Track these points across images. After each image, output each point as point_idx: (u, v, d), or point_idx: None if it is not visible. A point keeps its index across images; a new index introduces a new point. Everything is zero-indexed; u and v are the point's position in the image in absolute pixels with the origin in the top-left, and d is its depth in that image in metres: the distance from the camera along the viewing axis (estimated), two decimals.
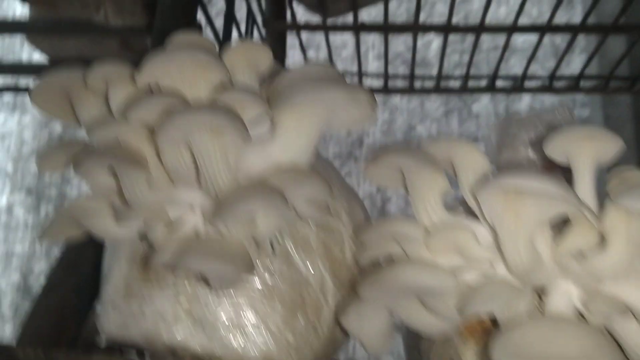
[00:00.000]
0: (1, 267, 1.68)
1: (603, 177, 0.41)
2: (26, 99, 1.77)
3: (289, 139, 0.37)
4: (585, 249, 0.36)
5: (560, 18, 1.60)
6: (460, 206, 0.42)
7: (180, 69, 0.34)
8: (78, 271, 0.49)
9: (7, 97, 1.70)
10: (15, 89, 1.45)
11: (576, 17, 1.41)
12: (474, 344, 0.42)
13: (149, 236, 0.38)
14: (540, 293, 0.39)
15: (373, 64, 1.64)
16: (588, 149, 0.38)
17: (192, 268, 0.33)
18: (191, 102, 0.34)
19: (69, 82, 0.39)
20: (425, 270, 0.38)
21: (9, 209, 1.73)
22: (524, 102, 1.64)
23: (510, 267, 0.37)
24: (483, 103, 1.66)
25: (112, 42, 1.01)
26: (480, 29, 0.97)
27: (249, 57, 0.38)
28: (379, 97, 1.17)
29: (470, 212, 0.41)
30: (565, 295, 0.38)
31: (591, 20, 1.40)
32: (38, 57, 1.79)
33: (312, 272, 0.41)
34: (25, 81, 1.51)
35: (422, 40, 1.72)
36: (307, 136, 0.37)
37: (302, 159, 0.37)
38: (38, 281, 1.64)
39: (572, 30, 0.97)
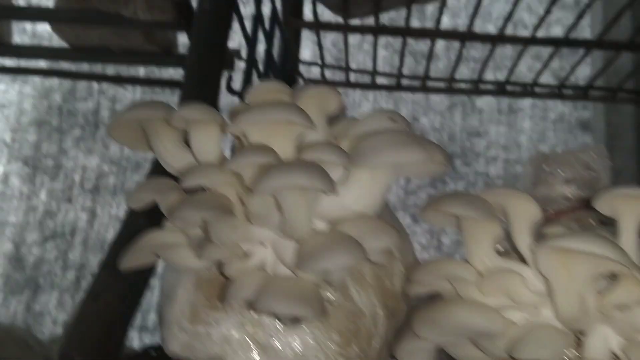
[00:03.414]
0: None
1: None
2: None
3: (363, 192, 0.39)
4: (629, 303, 0.40)
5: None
6: (510, 250, 0.45)
7: (270, 126, 0.36)
8: (124, 277, 0.50)
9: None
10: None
11: (582, 30, 1.42)
12: None
13: (225, 270, 0.41)
14: (579, 335, 0.43)
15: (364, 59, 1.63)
16: (633, 207, 0.41)
17: (271, 309, 0.36)
18: (282, 158, 0.37)
19: (150, 118, 0.41)
20: (478, 313, 0.41)
21: (5, 178, 1.73)
22: (528, 101, 1.66)
23: (559, 314, 0.41)
24: (486, 99, 1.67)
25: (136, 35, 1.03)
26: (498, 38, 1.00)
27: (319, 101, 0.41)
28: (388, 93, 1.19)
29: (519, 255, 0.44)
30: (604, 340, 0.41)
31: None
32: (40, 29, 1.78)
33: (366, 303, 0.44)
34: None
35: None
36: (380, 190, 0.40)
37: (372, 209, 0.40)
38: (30, 252, 1.65)
39: (587, 45, 1.01)
